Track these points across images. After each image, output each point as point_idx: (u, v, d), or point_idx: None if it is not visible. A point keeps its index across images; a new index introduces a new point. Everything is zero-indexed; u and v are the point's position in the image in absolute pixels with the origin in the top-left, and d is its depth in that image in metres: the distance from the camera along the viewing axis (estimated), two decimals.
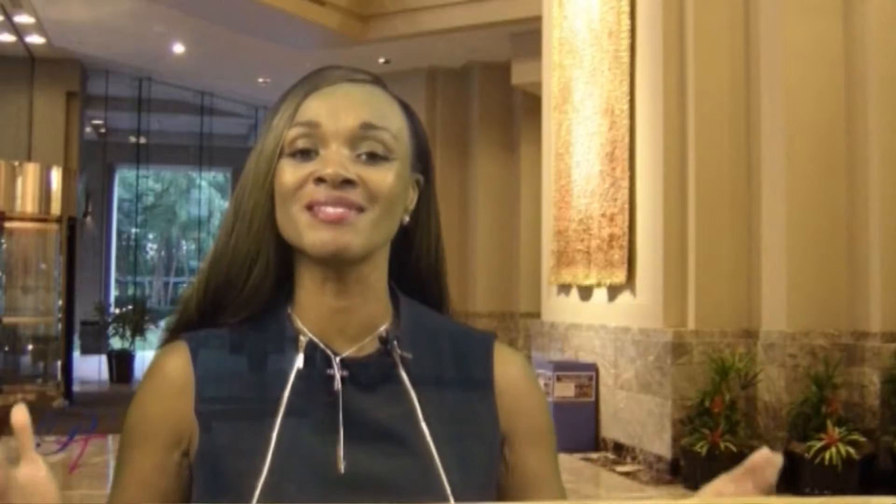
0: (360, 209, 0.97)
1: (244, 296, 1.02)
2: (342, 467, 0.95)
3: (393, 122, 1.02)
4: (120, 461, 1.02)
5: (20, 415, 0.82)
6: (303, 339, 1.01)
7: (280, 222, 1.00)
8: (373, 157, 0.99)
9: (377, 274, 1.03)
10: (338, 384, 0.98)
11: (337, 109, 1.00)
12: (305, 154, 0.99)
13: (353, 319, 1.01)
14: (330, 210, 0.96)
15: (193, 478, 1.00)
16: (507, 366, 1.07)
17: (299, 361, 0.99)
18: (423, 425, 0.99)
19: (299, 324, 1.02)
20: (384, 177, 0.99)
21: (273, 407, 0.98)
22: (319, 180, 0.97)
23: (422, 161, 1.07)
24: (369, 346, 1.02)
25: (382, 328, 1.03)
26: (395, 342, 1.01)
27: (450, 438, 0.99)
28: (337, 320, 1.01)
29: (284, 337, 1.01)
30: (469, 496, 0.97)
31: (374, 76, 1.07)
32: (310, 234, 0.97)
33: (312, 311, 1.02)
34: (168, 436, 1.00)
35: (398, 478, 0.96)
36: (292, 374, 0.99)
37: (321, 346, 1.00)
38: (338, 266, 0.99)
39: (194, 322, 1.05)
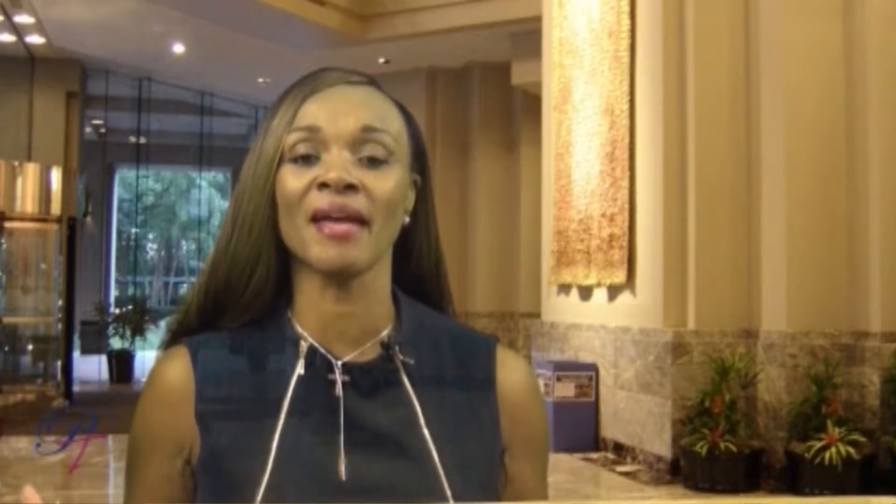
0: (363, 221, 0.97)
1: (244, 300, 1.01)
2: (343, 473, 0.95)
3: (392, 124, 1.02)
4: (128, 474, 1.02)
5: (33, 498, 0.83)
6: (304, 345, 1.00)
7: (284, 230, 1.00)
8: (374, 161, 0.99)
9: (381, 278, 1.03)
10: (339, 389, 0.98)
11: (337, 113, 1.00)
12: (306, 159, 0.99)
13: (355, 324, 1.01)
14: (335, 226, 0.96)
15: (196, 484, 1.00)
16: (510, 372, 1.06)
17: (300, 367, 0.99)
18: (425, 430, 0.98)
19: (300, 328, 1.01)
20: (386, 182, 0.99)
21: (274, 412, 0.97)
22: (322, 185, 0.97)
23: (419, 161, 1.06)
24: (371, 350, 1.01)
25: (384, 333, 1.02)
26: (397, 347, 1.01)
27: (451, 443, 0.99)
28: (339, 324, 1.01)
29: (285, 341, 1.01)
30: (470, 501, 0.96)
31: (370, 77, 1.06)
32: (315, 249, 0.96)
33: (313, 315, 1.01)
34: (171, 445, 1.00)
35: (399, 483, 0.96)
36: (293, 380, 0.99)
37: (322, 350, 1.00)
38: (341, 276, 0.99)
39: (195, 326, 1.05)
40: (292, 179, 0.98)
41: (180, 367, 1.01)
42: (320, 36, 11.30)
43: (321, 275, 0.99)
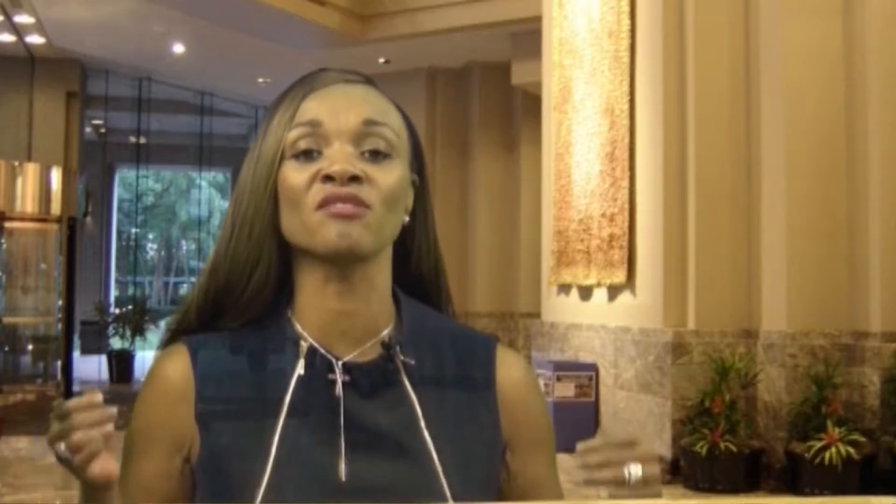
0: (369, 207, 0.97)
1: (244, 300, 1.01)
2: (343, 473, 0.95)
3: (393, 120, 1.02)
4: (123, 468, 1.02)
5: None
6: (304, 345, 1.00)
7: (287, 226, 0.99)
8: (375, 155, 0.99)
9: (383, 275, 1.03)
10: (339, 389, 0.98)
11: (337, 108, 1.00)
12: (308, 155, 0.99)
13: (356, 322, 1.01)
14: (342, 206, 0.96)
15: (195, 483, 1.00)
16: (509, 370, 1.07)
17: (300, 367, 0.99)
18: (425, 431, 0.98)
19: (299, 328, 1.01)
20: (388, 175, 0.99)
21: (274, 412, 0.97)
22: (327, 178, 0.96)
23: (417, 160, 1.07)
24: (371, 350, 1.01)
25: (385, 333, 1.02)
26: (398, 347, 1.00)
27: (451, 443, 0.99)
28: (340, 323, 1.00)
29: (285, 341, 1.01)
30: (469, 500, 0.96)
31: (366, 77, 1.07)
32: (322, 231, 0.96)
33: (314, 314, 1.01)
34: (169, 442, 1.00)
35: (399, 484, 0.96)
36: (293, 380, 0.99)
37: (322, 350, 1.00)
38: (345, 266, 0.99)
39: (195, 325, 1.05)
40: (294, 174, 0.98)
41: (180, 366, 1.01)
42: (320, 36, 11.30)
43: (324, 269, 0.99)
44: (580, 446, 0.99)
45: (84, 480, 0.90)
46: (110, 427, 0.90)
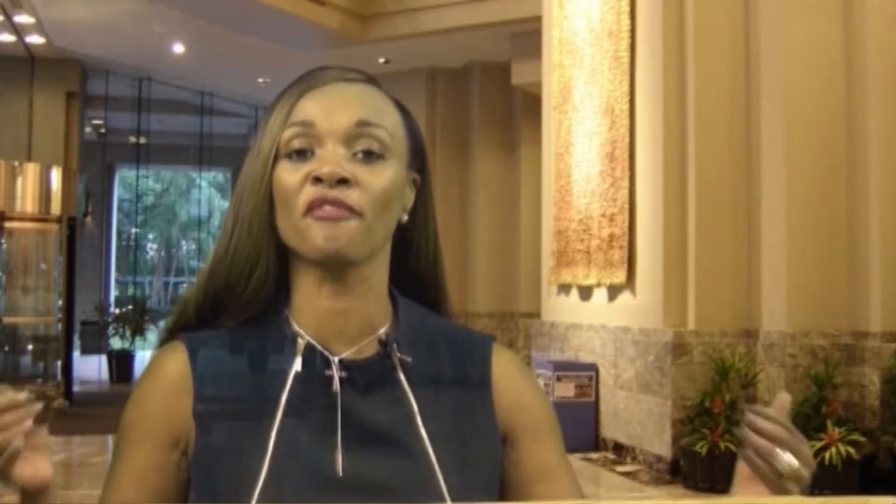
0: (357, 212, 0.97)
1: (244, 299, 1.02)
2: (340, 470, 0.95)
3: (388, 120, 1.02)
4: (115, 458, 1.02)
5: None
6: (301, 342, 1.00)
7: (280, 226, 1.00)
8: (369, 156, 0.99)
9: (379, 275, 1.03)
10: (336, 385, 0.98)
11: (331, 108, 1.00)
12: (301, 154, 0.99)
13: (352, 321, 1.01)
14: (329, 209, 0.96)
15: (191, 478, 0.99)
16: (503, 366, 1.07)
17: (297, 364, 0.99)
18: (422, 428, 0.98)
19: (297, 326, 1.02)
20: (380, 176, 0.99)
21: (271, 409, 0.97)
22: (317, 180, 0.97)
23: (418, 159, 1.06)
24: (368, 348, 1.01)
25: (382, 330, 1.02)
26: (395, 345, 1.01)
27: (448, 441, 0.99)
28: (336, 322, 1.01)
29: (282, 339, 1.01)
30: (468, 499, 0.96)
31: (367, 75, 1.06)
32: (310, 234, 0.97)
33: (310, 312, 1.01)
34: (165, 434, 0.99)
35: (396, 481, 0.96)
36: (290, 377, 0.99)
37: (319, 348, 1.00)
38: (338, 268, 0.99)
39: (193, 324, 1.05)
40: (287, 175, 0.99)
41: (178, 362, 1.01)
42: (320, 36, 11.30)
43: (318, 269, 1.00)
44: (757, 408, 0.98)
45: (16, 485, 0.90)
46: (28, 423, 0.89)
